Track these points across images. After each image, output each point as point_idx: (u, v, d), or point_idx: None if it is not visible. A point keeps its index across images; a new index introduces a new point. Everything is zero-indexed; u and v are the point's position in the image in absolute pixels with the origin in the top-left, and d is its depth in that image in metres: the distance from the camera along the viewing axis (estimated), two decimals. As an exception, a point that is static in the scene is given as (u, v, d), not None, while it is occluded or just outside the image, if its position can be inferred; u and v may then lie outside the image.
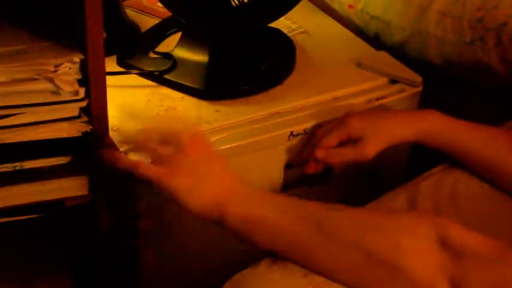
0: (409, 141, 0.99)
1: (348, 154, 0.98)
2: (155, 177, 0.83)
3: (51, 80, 0.83)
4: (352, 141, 0.98)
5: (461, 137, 0.97)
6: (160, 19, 1.25)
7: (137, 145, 0.90)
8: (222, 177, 0.85)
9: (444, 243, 0.73)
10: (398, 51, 1.23)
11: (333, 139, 0.99)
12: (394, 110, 1.06)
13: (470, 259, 0.72)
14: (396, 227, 0.76)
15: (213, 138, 1.01)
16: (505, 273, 0.71)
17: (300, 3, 1.13)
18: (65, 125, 0.86)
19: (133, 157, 0.95)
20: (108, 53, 0.90)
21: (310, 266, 0.78)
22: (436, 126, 0.98)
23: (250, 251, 0.84)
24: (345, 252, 0.76)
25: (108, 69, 0.86)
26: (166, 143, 0.86)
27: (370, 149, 0.97)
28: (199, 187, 0.83)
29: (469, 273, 0.71)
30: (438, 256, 0.72)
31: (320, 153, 0.99)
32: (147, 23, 1.24)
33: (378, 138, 0.97)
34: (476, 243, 0.73)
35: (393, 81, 1.16)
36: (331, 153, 0.99)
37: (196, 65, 1.11)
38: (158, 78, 1.10)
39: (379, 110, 1.06)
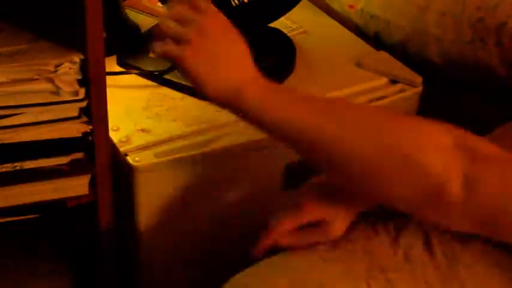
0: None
1: (314, 237, 0.88)
2: (176, 56, 0.81)
3: (51, 80, 0.83)
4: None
5: None
6: (160, 19, 1.25)
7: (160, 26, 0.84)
8: (241, 64, 0.82)
9: (461, 145, 0.73)
10: (398, 51, 1.23)
11: (288, 225, 0.87)
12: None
13: (486, 160, 0.72)
14: (415, 126, 0.76)
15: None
16: None
17: (300, 3, 1.13)
18: (65, 125, 0.86)
19: (134, 159, 0.96)
20: (108, 53, 0.90)
21: (320, 154, 0.77)
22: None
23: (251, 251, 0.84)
24: (363, 141, 0.75)
25: (108, 69, 0.86)
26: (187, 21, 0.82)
27: (338, 228, 0.87)
28: (218, 72, 0.81)
29: (483, 172, 0.71)
30: (454, 153, 0.72)
31: (284, 241, 0.87)
32: (147, 23, 1.24)
33: (343, 216, 0.87)
34: (493, 149, 0.73)
35: (393, 81, 1.16)
36: (294, 239, 0.88)
37: (196, 65, 1.11)
38: (158, 78, 1.10)
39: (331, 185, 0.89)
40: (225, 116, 1.05)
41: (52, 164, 0.88)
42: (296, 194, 0.89)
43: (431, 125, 0.75)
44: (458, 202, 0.71)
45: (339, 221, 0.87)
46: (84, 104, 0.85)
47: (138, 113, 1.04)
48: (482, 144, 0.74)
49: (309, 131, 0.77)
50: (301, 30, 1.28)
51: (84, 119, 0.87)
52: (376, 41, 1.28)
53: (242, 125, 1.04)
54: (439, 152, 0.73)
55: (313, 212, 0.87)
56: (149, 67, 1.11)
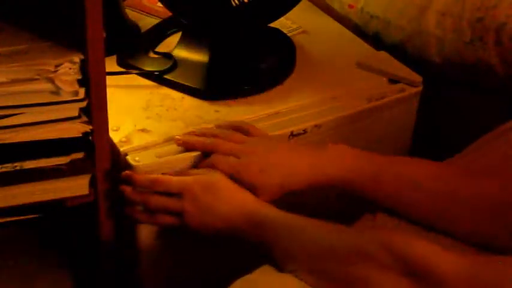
0: (312, 188, 0.93)
1: None
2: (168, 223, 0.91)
3: (51, 80, 0.83)
4: None
5: (375, 177, 0.90)
6: (160, 19, 1.25)
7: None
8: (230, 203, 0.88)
9: (412, 273, 0.73)
10: (398, 51, 1.23)
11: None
12: (294, 150, 0.96)
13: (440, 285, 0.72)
14: (363, 258, 0.76)
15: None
16: None
17: (300, 3, 1.13)
18: (65, 125, 0.86)
19: (134, 159, 0.96)
20: (108, 53, 0.90)
21: None
22: (340, 170, 0.91)
23: (251, 254, 0.84)
24: (319, 281, 0.78)
25: (108, 69, 0.86)
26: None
27: (261, 198, 0.91)
28: (207, 216, 0.89)
29: None
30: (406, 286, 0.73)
31: None
32: (147, 23, 1.24)
33: (269, 190, 0.91)
34: (446, 266, 0.73)
35: (393, 81, 1.16)
36: None
37: (196, 65, 1.11)
38: (158, 78, 1.10)
39: (276, 152, 0.95)
40: (224, 115, 1.05)
41: (52, 164, 0.88)
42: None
43: (377, 251, 0.75)
44: None
45: (262, 194, 0.91)
46: (84, 104, 0.85)
47: (138, 113, 1.04)
48: (435, 259, 0.73)
49: None
50: (301, 30, 1.28)
51: (84, 119, 0.87)
52: (376, 41, 1.28)
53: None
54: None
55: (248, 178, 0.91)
56: (149, 67, 1.11)
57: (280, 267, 0.81)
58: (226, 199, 0.88)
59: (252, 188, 0.90)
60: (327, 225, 0.82)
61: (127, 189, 0.91)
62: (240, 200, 0.88)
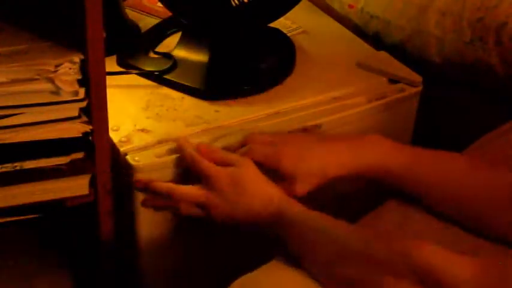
0: (350, 176, 0.93)
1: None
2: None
3: (51, 80, 0.83)
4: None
5: (411, 167, 0.90)
6: (160, 19, 1.25)
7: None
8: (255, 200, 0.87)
9: (424, 282, 0.72)
10: (398, 51, 1.23)
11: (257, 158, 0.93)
12: (331, 138, 0.97)
13: None
14: (379, 263, 0.76)
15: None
16: None
17: (300, 3, 1.13)
18: (65, 125, 0.86)
19: (134, 159, 0.96)
20: (108, 53, 0.90)
21: None
22: (379, 158, 0.91)
23: (252, 254, 0.84)
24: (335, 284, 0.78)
25: (108, 69, 0.86)
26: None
27: (301, 188, 0.91)
28: (232, 209, 0.88)
29: None
30: None
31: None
32: (147, 23, 1.24)
33: (309, 177, 0.91)
34: (453, 273, 0.72)
35: (393, 81, 1.16)
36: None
37: (196, 65, 1.11)
38: (158, 78, 1.10)
39: (312, 141, 0.95)
40: (224, 115, 1.05)
41: (52, 164, 0.88)
42: (279, 139, 0.94)
43: (392, 259, 0.75)
44: None
45: (304, 182, 0.91)
46: (84, 104, 0.85)
47: (138, 113, 1.04)
48: (446, 267, 0.72)
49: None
50: (301, 30, 1.28)
51: (84, 119, 0.87)
52: (375, 41, 1.28)
53: (242, 124, 1.04)
54: None
55: (287, 167, 0.91)
56: (149, 67, 1.11)
57: (300, 265, 0.80)
58: (253, 193, 0.87)
59: (291, 177, 0.89)
60: (353, 228, 0.81)
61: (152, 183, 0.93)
62: (267, 195, 0.87)
